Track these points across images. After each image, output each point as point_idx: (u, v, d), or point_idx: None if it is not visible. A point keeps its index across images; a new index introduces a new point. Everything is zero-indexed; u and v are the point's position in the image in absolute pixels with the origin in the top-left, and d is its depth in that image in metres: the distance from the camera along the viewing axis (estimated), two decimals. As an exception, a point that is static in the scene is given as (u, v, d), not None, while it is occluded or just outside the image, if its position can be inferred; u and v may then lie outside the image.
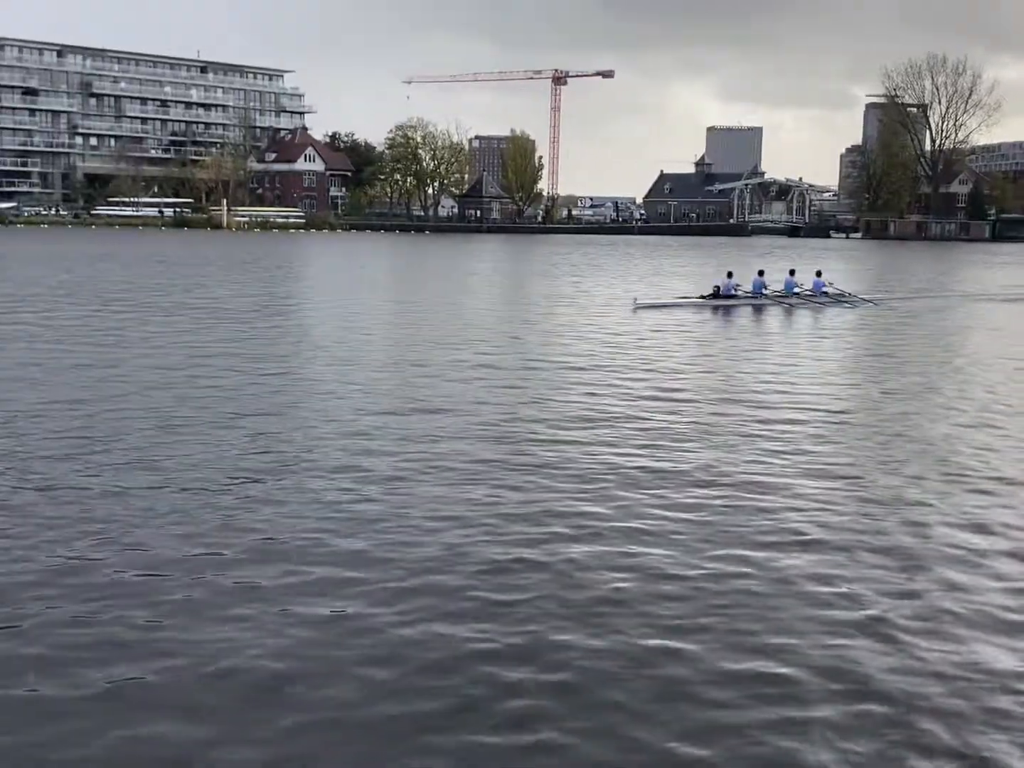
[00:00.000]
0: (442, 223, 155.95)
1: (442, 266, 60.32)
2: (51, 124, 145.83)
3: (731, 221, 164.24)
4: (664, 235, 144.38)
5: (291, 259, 64.66)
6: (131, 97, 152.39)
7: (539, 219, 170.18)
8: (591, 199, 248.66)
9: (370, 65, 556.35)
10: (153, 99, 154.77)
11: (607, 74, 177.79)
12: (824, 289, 33.40)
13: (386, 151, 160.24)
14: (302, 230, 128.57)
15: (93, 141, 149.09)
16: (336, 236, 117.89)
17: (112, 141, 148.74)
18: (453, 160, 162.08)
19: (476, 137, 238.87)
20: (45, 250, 64.45)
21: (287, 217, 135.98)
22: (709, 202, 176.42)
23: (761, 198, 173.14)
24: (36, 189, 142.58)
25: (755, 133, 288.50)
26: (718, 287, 31.55)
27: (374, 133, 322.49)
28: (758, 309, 31.28)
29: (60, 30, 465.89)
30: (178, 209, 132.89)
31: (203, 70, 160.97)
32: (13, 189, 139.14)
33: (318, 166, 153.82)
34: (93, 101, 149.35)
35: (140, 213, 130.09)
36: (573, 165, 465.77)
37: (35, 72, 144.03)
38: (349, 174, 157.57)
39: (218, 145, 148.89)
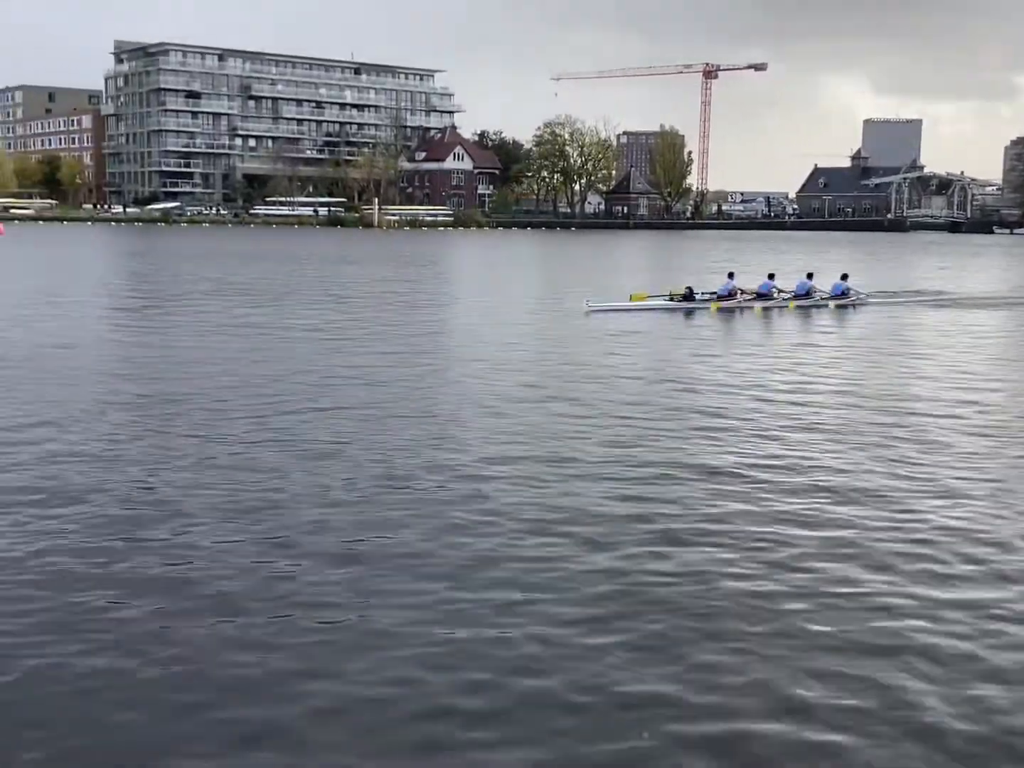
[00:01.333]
0: (588, 220, 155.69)
1: (587, 262, 60.04)
2: (212, 126, 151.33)
3: (888, 216, 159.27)
4: (817, 231, 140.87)
5: (455, 256, 65.37)
6: (288, 99, 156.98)
7: (688, 215, 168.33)
8: (742, 194, 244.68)
9: (518, 63, 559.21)
10: (308, 101, 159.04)
11: (759, 67, 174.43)
12: (842, 290, 30.59)
13: (533, 148, 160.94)
14: (450, 228, 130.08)
15: (252, 142, 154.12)
16: (483, 234, 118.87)
17: (270, 142, 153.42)
18: (600, 156, 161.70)
19: (624, 133, 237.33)
20: (217, 247, 66.68)
21: (435, 215, 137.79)
22: (865, 197, 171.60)
23: (920, 192, 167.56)
24: (198, 189, 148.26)
25: (914, 125, 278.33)
26: (690, 288, 29.01)
27: (522, 131, 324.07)
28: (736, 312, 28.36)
29: (221, 35, 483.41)
30: (332, 208, 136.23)
31: (356, 71, 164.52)
32: (177, 189, 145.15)
33: (466, 164, 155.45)
34: (252, 103, 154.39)
35: (296, 212, 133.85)
36: (723, 160, 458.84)
37: (197, 76, 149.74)
38: (496, 172, 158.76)
39: (370, 145, 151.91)
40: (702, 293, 29.03)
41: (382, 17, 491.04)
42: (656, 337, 23.80)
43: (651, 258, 71.03)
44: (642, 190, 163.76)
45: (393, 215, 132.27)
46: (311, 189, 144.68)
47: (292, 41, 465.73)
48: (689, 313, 27.86)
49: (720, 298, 28.63)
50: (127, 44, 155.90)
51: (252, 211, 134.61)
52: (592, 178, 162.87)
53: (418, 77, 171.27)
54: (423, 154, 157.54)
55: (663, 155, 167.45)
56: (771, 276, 29.90)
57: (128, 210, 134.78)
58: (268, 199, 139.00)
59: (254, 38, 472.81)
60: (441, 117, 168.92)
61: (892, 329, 26.20)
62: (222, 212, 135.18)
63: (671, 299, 28.67)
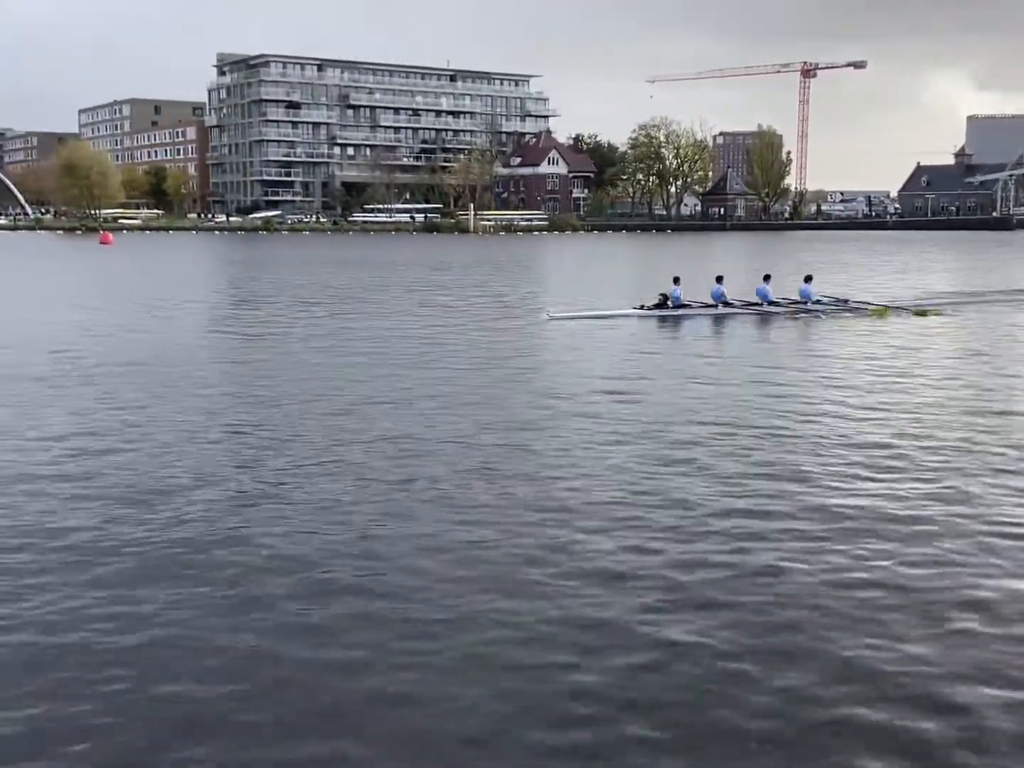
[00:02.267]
0: (684, 222, 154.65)
1: (681, 264, 59.61)
2: (311, 135, 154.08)
3: (994, 214, 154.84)
4: (920, 230, 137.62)
5: (549, 260, 65.55)
6: (385, 107, 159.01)
7: (786, 216, 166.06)
8: (841, 194, 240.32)
9: (613, 66, 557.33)
10: (405, 108, 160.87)
11: (859, 65, 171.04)
12: (816, 298, 27.89)
13: (629, 151, 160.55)
14: (544, 232, 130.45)
15: (350, 151, 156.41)
16: (578, 237, 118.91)
17: (367, 150, 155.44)
18: (696, 158, 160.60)
19: (720, 134, 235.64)
20: (314, 254, 67.96)
21: (530, 220, 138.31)
22: (969, 195, 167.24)
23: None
24: (298, 198, 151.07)
25: (1019, 121, 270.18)
26: (665, 295, 26.57)
27: (617, 134, 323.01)
28: (719, 320, 26.20)
29: (320, 45, 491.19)
30: (428, 214, 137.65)
31: (452, 78, 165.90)
32: (278, 198, 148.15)
33: (561, 168, 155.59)
34: (350, 112, 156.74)
35: (393, 219, 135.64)
36: (822, 159, 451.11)
37: (297, 86, 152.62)
38: (591, 175, 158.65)
39: (466, 151, 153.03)
40: (691, 302, 26.84)
41: (478, 24, 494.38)
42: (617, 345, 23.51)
43: (748, 259, 70.19)
44: (739, 191, 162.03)
45: (488, 220, 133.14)
46: (408, 196, 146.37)
47: (389, 50, 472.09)
48: (664, 320, 25.66)
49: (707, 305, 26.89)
50: (229, 56, 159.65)
51: (350, 218, 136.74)
52: (688, 180, 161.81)
53: (513, 83, 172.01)
54: (518, 159, 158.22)
55: (761, 155, 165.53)
56: (767, 278, 27.75)
57: (231, 219, 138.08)
58: (366, 206, 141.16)
59: (352, 48, 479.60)
60: (536, 122, 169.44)
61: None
62: (321, 220, 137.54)
63: (642, 308, 26.20)
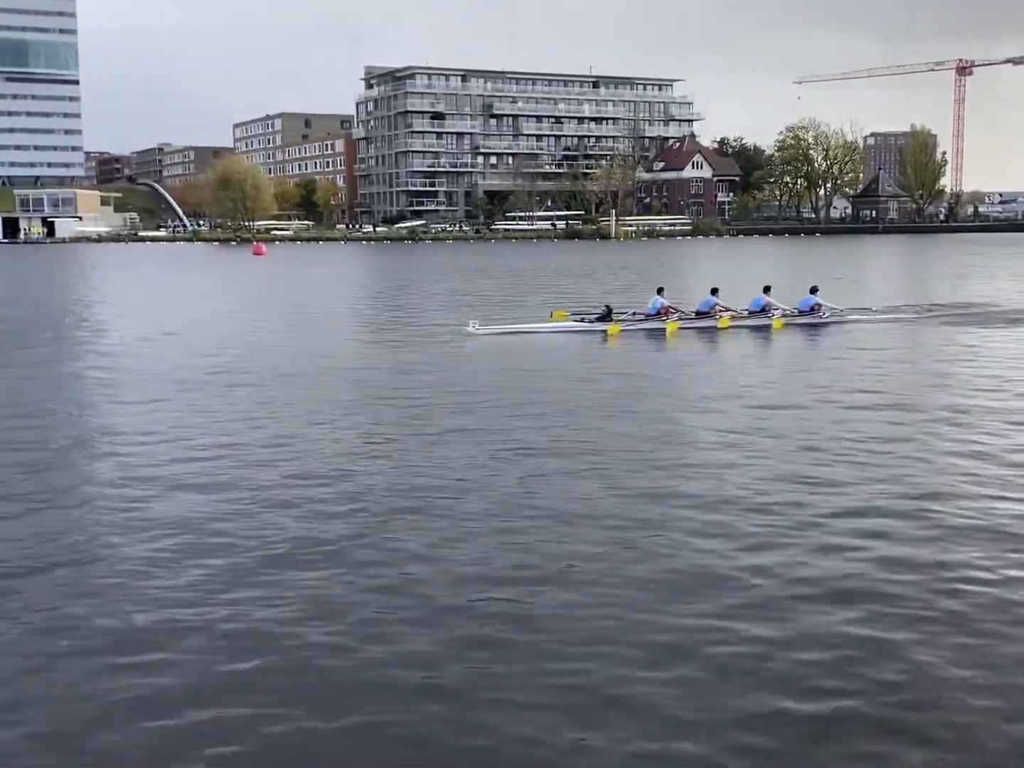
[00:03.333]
0: (834, 225, 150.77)
1: (831, 269, 57.98)
2: (455, 145, 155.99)
3: None
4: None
5: (692, 265, 64.75)
6: (528, 115, 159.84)
7: (941, 218, 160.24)
8: (1000, 195, 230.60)
9: (759, 68, 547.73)
10: (548, 116, 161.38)
11: (1017, 61, 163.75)
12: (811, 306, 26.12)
13: (775, 153, 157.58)
14: (688, 236, 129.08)
15: (493, 159, 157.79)
16: (722, 242, 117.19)
17: (510, 158, 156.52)
18: (847, 159, 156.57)
19: (871, 134, 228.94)
20: (455, 263, 68.69)
21: (673, 224, 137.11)
22: None
23: None
24: (442, 207, 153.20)
25: None
26: (609, 307, 25.11)
27: (763, 136, 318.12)
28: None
29: (464, 56, 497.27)
30: (569, 221, 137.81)
31: (595, 85, 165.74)
32: (422, 208, 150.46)
33: (705, 172, 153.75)
34: (493, 121, 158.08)
35: (534, 226, 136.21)
36: (979, 159, 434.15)
37: (442, 97, 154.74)
38: (736, 179, 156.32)
39: (608, 157, 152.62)
40: (632, 313, 25.42)
41: (621, 29, 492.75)
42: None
43: (903, 265, 67.86)
44: (891, 193, 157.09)
45: (630, 226, 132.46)
46: (549, 203, 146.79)
47: (532, 59, 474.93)
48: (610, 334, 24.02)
49: (648, 316, 24.97)
50: (377, 70, 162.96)
51: (493, 227, 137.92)
52: (838, 182, 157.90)
53: (656, 87, 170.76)
54: (661, 163, 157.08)
55: (914, 156, 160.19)
56: (714, 291, 25.82)
57: (377, 229, 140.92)
58: (508, 214, 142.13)
59: (495, 58, 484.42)
60: (680, 126, 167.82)
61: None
62: (464, 228, 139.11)
63: (582, 320, 24.84)
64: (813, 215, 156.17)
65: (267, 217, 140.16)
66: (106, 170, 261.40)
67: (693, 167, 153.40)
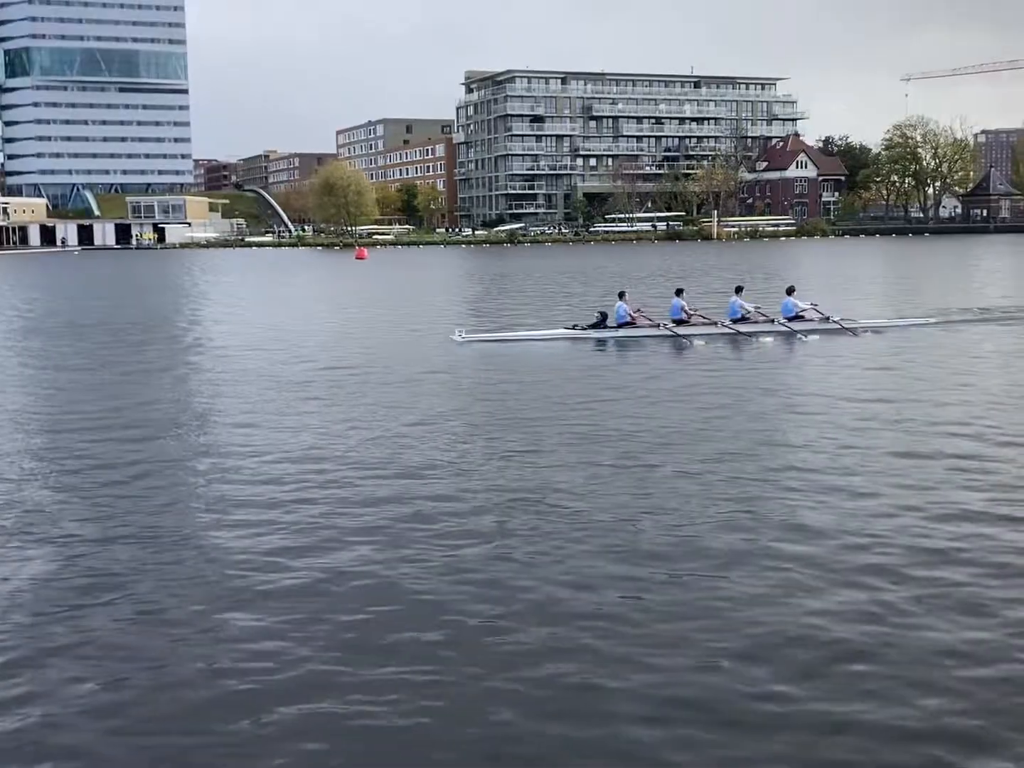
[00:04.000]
0: (944, 225, 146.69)
1: (941, 271, 56.38)
2: (555, 148, 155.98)
3: None
4: None
5: (795, 266, 63.61)
6: (628, 117, 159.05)
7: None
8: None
9: (865, 65, 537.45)
10: (648, 117, 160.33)
11: None
12: (797, 312, 24.09)
13: (882, 152, 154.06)
14: (792, 237, 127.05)
15: (592, 162, 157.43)
16: (827, 242, 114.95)
17: (609, 160, 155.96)
18: (956, 158, 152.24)
19: (982, 132, 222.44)
20: (552, 265, 68.57)
21: (776, 225, 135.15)
22: None
23: None
24: (541, 210, 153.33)
25: None
26: (604, 314, 23.70)
27: (869, 134, 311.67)
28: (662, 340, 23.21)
29: (563, 59, 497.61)
30: (670, 222, 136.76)
31: (696, 85, 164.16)
32: (521, 211, 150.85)
33: (810, 172, 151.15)
34: (593, 123, 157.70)
35: (634, 228, 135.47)
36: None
37: (542, 100, 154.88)
38: (842, 178, 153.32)
39: (710, 158, 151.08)
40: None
41: (723, 28, 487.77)
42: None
43: (1016, 263, 65.67)
44: (1003, 191, 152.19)
45: (732, 226, 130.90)
46: (650, 204, 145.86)
47: (632, 60, 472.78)
48: (601, 342, 23.01)
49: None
50: (477, 74, 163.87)
51: (592, 229, 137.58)
52: (947, 180, 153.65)
53: (759, 86, 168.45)
54: (764, 163, 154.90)
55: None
56: (679, 291, 24.51)
57: (476, 232, 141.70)
58: (607, 216, 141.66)
59: (595, 60, 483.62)
60: (783, 125, 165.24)
61: None
62: (563, 231, 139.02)
63: (574, 327, 23.69)
64: (921, 215, 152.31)
65: (369, 222, 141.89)
66: (214, 177, 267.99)
67: (797, 167, 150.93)
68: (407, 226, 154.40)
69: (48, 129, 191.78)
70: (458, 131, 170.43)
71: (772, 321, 23.90)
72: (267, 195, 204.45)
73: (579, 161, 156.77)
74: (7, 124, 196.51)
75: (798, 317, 23.98)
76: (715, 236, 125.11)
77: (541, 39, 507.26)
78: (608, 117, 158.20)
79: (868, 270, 58.84)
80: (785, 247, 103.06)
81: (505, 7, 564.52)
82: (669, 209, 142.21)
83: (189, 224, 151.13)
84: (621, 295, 24.10)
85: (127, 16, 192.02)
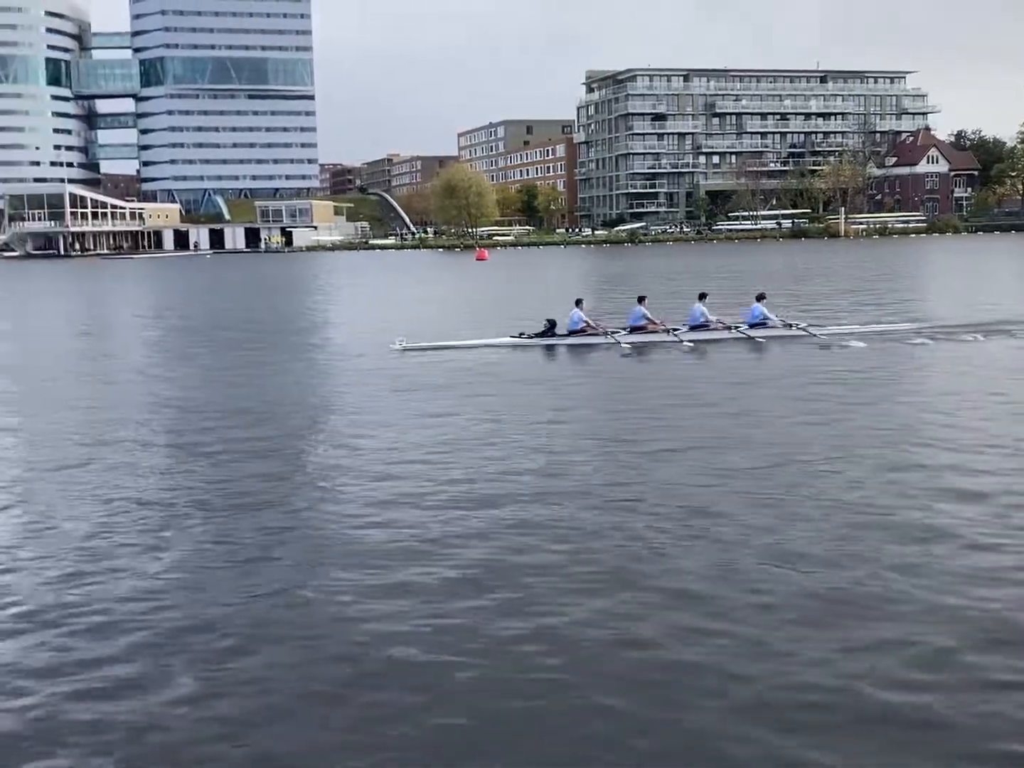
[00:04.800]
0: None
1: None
2: (677, 146, 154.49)
3: None
4: None
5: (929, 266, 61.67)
6: (752, 113, 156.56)
7: None
8: None
9: (998, 57, 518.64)
10: (773, 113, 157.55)
11: None
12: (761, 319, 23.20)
13: (1018, 145, 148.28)
14: (922, 235, 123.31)
15: (715, 159, 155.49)
16: (959, 239, 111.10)
17: (732, 158, 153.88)
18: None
19: None
20: (671, 264, 67.82)
21: (906, 222, 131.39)
22: None
23: None
24: (662, 209, 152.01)
25: None
26: (552, 322, 22.87)
27: (1004, 128, 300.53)
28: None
29: (686, 56, 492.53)
30: (795, 220, 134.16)
31: (822, 80, 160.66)
32: (642, 210, 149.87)
33: (941, 167, 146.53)
34: (716, 121, 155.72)
35: (758, 226, 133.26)
36: None
37: (663, 98, 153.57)
38: (975, 173, 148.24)
39: (837, 153, 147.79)
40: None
41: (850, 21, 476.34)
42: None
43: None
44: None
45: (860, 224, 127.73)
46: (774, 202, 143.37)
47: (756, 56, 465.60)
48: (550, 349, 22.23)
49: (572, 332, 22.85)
50: (598, 74, 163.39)
51: (714, 227, 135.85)
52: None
53: (888, 80, 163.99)
54: (893, 159, 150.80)
55: None
56: (641, 299, 23.42)
57: (596, 232, 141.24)
58: (730, 214, 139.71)
59: (718, 57, 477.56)
60: (913, 119, 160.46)
61: None
62: (685, 230, 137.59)
63: (520, 335, 22.75)
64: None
65: (489, 223, 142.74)
66: (339, 181, 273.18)
67: (928, 162, 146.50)
68: (527, 227, 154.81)
69: (181, 136, 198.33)
70: (578, 131, 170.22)
71: (729, 328, 23.16)
72: (390, 198, 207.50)
73: (701, 159, 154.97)
74: (143, 132, 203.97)
75: (762, 324, 23.11)
76: (842, 234, 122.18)
77: (661, 38, 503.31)
78: (731, 114, 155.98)
79: (1006, 266, 56.59)
80: (915, 244, 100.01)
81: (625, 7, 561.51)
82: (794, 206, 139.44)
83: (315, 227, 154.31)
84: (578, 302, 23.29)
85: (256, 24, 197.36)
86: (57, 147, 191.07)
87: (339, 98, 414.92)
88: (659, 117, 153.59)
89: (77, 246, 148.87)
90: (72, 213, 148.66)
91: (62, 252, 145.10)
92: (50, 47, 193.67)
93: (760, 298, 23.63)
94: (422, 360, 20.87)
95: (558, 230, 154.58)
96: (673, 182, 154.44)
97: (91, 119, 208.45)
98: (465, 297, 42.98)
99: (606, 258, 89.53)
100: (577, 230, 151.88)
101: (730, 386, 16.59)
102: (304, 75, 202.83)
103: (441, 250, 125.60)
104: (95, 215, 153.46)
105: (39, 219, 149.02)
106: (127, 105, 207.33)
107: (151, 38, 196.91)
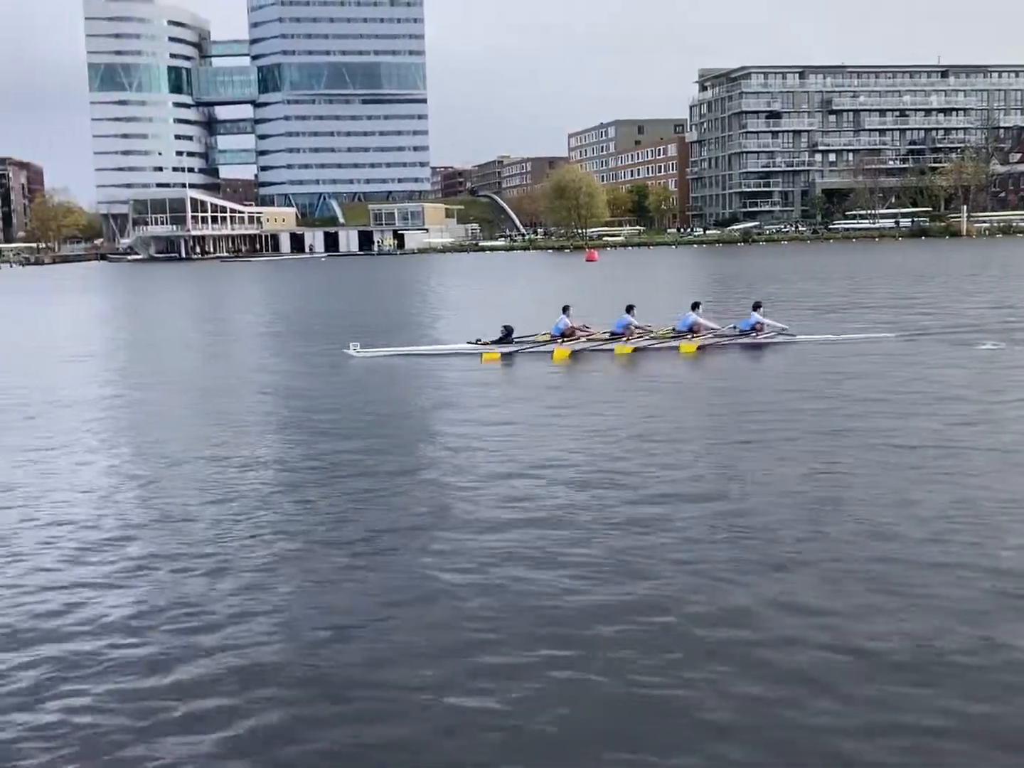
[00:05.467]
0: None
1: None
2: (792, 144, 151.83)
3: None
4: None
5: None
6: (869, 110, 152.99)
7: None
8: None
9: None
10: (892, 110, 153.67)
11: None
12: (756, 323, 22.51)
13: None
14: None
15: (831, 157, 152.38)
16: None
17: (849, 155, 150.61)
18: None
19: None
20: (786, 264, 66.48)
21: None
22: None
23: None
24: (776, 208, 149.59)
25: None
26: (509, 328, 22.26)
27: None
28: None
29: (801, 53, 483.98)
30: (915, 219, 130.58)
31: (944, 75, 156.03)
32: (756, 209, 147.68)
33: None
34: (832, 118, 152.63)
35: (876, 225, 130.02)
36: None
37: (778, 96, 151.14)
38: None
39: (959, 150, 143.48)
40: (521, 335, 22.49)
41: (973, 14, 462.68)
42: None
43: None
44: None
45: (983, 222, 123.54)
46: (893, 200, 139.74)
47: (875, 52, 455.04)
48: (507, 356, 21.55)
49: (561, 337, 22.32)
50: (710, 72, 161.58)
51: (831, 226, 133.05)
52: None
53: (1013, 74, 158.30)
54: (1018, 155, 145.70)
55: None
56: (629, 309, 22.74)
57: (708, 232, 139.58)
58: (848, 213, 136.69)
59: (835, 53, 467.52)
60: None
61: None
62: (800, 229, 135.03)
63: (477, 343, 22.28)
64: None
65: (599, 223, 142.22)
66: (450, 184, 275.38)
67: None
68: (637, 227, 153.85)
69: (297, 141, 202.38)
70: (691, 130, 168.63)
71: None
72: (500, 200, 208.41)
73: (817, 156, 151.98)
74: (260, 137, 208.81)
75: (753, 330, 22.58)
76: (964, 233, 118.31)
77: (774, 35, 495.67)
78: (849, 111, 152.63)
79: None
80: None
81: (737, 4, 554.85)
82: (914, 205, 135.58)
83: (426, 230, 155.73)
84: (565, 309, 22.81)
85: (370, 30, 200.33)
86: (179, 153, 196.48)
87: (450, 101, 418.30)
88: (774, 115, 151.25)
89: (197, 249, 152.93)
90: (193, 217, 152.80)
91: (183, 255, 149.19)
92: (172, 56, 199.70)
93: (756, 307, 23.17)
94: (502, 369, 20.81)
95: (669, 230, 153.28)
96: (788, 180, 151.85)
97: (211, 125, 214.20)
98: (575, 297, 42.66)
99: (719, 258, 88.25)
100: (689, 230, 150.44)
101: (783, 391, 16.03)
102: (417, 79, 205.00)
103: (551, 251, 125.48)
104: (215, 219, 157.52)
105: (162, 223, 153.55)
106: (245, 111, 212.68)
107: (269, 45, 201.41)
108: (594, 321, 23.49)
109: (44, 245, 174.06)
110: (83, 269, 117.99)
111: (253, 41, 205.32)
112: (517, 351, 21.81)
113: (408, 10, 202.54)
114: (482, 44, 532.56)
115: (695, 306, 23.07)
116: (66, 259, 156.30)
